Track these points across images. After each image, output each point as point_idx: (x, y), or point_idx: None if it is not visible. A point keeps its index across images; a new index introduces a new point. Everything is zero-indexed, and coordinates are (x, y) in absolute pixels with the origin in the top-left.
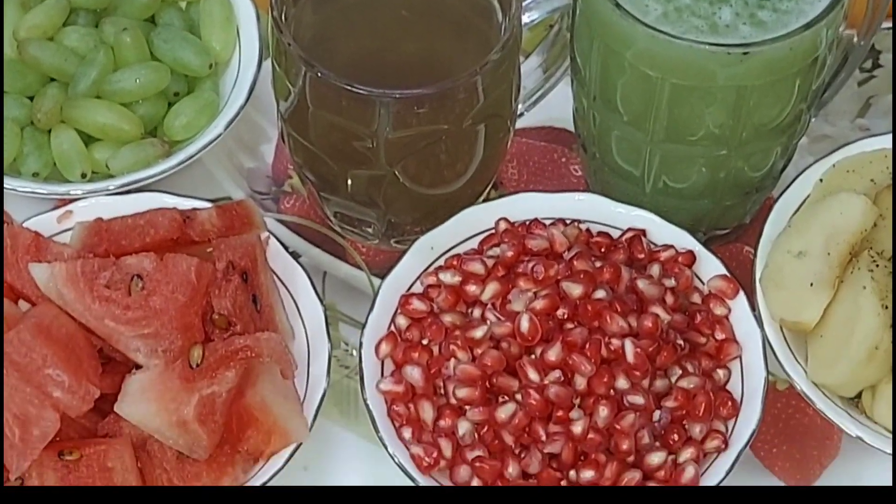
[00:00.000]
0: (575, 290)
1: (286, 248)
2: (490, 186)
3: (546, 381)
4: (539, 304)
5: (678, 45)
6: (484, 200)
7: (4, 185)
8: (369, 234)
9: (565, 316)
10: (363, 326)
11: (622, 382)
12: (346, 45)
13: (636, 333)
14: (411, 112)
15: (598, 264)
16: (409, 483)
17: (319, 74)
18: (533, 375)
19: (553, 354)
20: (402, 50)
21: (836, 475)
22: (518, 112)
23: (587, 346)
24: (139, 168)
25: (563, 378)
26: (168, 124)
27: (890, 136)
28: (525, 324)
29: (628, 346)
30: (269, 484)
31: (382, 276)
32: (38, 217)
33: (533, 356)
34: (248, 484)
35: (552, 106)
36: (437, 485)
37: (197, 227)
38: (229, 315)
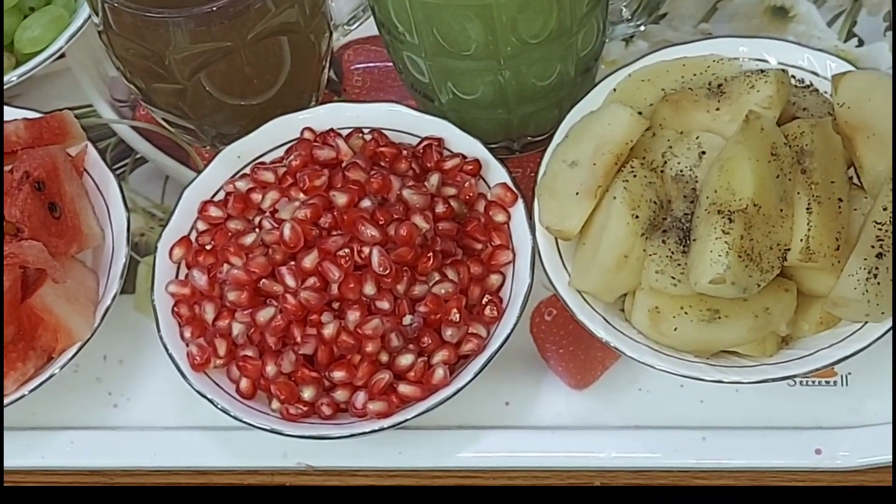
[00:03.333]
0: (340, 199)
1: (113, 161)
2: (325, 97)
3: (301, 287)
4: (302, 213)
5: None
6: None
7: None
8: (202, 141)
9: (328, 224)
10: (160, 232)
11: (369, 288)
12: None
13: (395, 242)
14: (193, 30)
15: (372, 173)
16: None
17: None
18: (289, 281)
19: (308, 262)
20: None
21: (616, 377)
22: (355, 21)
23: (339, 253)
24: None
25: (318, 284)
26: (17, 37)
27: (693, 45)
28: (287, 232)
29: (374, 254)
30: (59, 371)
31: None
32: None
33: (293, 263)
34: (41, 376)
35: None
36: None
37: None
38: (17, 222)
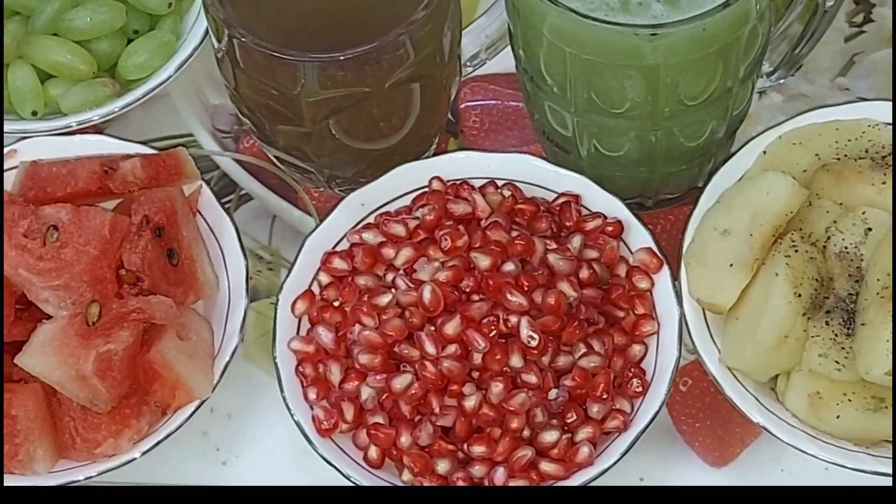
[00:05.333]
0: (483, 262)
1: (232, 200)
2: (442, 138)
3: (442, 355)
4: (443, 276)
5: (586, 24)
6: (439, 152)
7: None
8: (315, 182)
9: (470, 288)
10: (282, 284)
11: (516, 360)
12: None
13: (540, 310)
14: (330, 74)
15: (514, 234)
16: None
17: (239, 37)
18: (430, 348)
19: (451, 328)
20: (330, 8)
21: (757, 455)
22: (479, 61)
23: (484, 322)
24: (88, 108)
25: (459, 352)
26: (122, 63)
27: (844, 108)
28: (427, 294)
29: (523, 324)
30: (176, 431)
31: None
32: None
33: (433, 328)
34: (154, 434)
35: None
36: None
37: (118, 180)
38: (137, 271)
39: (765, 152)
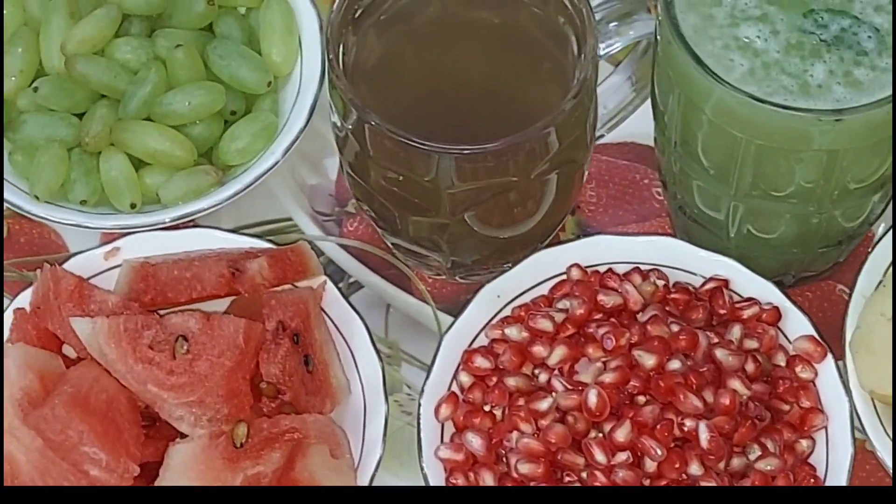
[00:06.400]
0: (648, 360)
1: (342, 289)
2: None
3: (613, 463)
4: (609, 378)
5: (764, 109)
6: (558, 230)
7: (52, 216)
8: (433, 268)
9: (636, 389)
10: (423, 387)
11: (695, 468)
12: (408, 80)
13: (711, 410)
14: (476, 165)
15: (674, 328)
16: None
17: (374, 124)
18: (600, 457)
19: (622, 435)
20: (469, 87)
21: None
22: (598, 135)
23: (658, 427)
24: (191, 198)
25: (632, 460)
26: (223, 148)
27: None
28: (593, 399)
29: (702, 429)
30: None
31: (447, 320)
32: (84, 254)
33: (600, 434)
34: None
35: (634, 120)
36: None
37: (246, 282)
38: (278, 383)
39: None
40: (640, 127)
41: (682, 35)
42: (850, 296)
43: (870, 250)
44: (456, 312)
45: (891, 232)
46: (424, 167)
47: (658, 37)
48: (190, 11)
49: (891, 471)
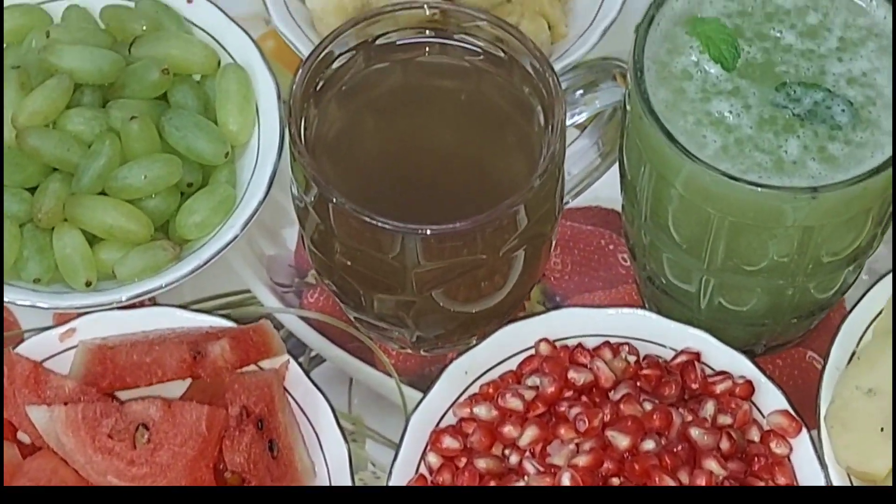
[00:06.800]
0: (622, 441)
1: (303, 364)
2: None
3: None
4: (582, 461)
5: (738, 186)
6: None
7: (4, 296)
8: (397, 342)
9: (609, 471)
10: (390, 469)
11: None
12: (372, 152)
13: None
14: (444, 245)
15: (647, 406)
16: None
17: (337, 202)
18: None
19: None
20: (434, 159)
21: None
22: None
23: None
24: (148, 275)
25: None
26: (181, 222)
27: None
28: (566, 482)
29: None
30: None
31: (411, 394)
32: (39, 336)
33: None
34: None
35: (599, 184)
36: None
37: (208, 366)
38: (243, 472)
39: None
40: (604, 191)
41: (654, 112)
42: (823, 365)
43: (841, 322)
44: (420, 385)
45: (860, 304)
46: (390, 246)
47: (627, 107)
48: (144, 81)
49: None
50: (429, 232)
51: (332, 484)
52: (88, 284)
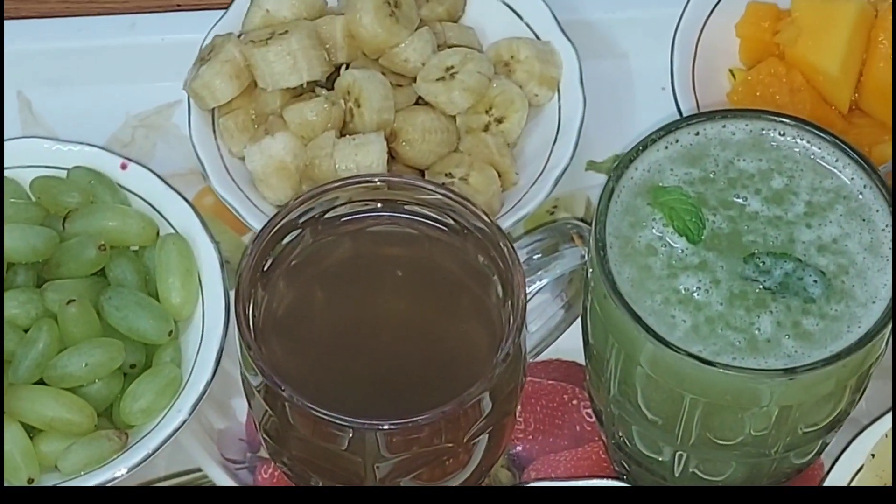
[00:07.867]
0: None
1: None
2: None
3: None
4: None
5: (711, 370)
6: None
7: None
8: None
9: None
10: None
11: None
12: (324, 332)
13: None
14: (405, 437)
15: None
16: None
17: (290, 397)
18: None
19: None
20: (390, 338)
21: None
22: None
23: None
24: (92, 467)
25: None
26: (125, 409)
27: None
28: None
29: None
30: None
31: None
32: None
33: None
34: None
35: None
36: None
37: None
38: None
39: (873, 455)
40: (566, 343)
41: (619, 293)
42: None
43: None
44: None
45: (836, 465)
46: (348, 441)
47: (590, 277)
48: (80, 258)
49: None
50: (387, 427)
51: None
52: (31, 482)
